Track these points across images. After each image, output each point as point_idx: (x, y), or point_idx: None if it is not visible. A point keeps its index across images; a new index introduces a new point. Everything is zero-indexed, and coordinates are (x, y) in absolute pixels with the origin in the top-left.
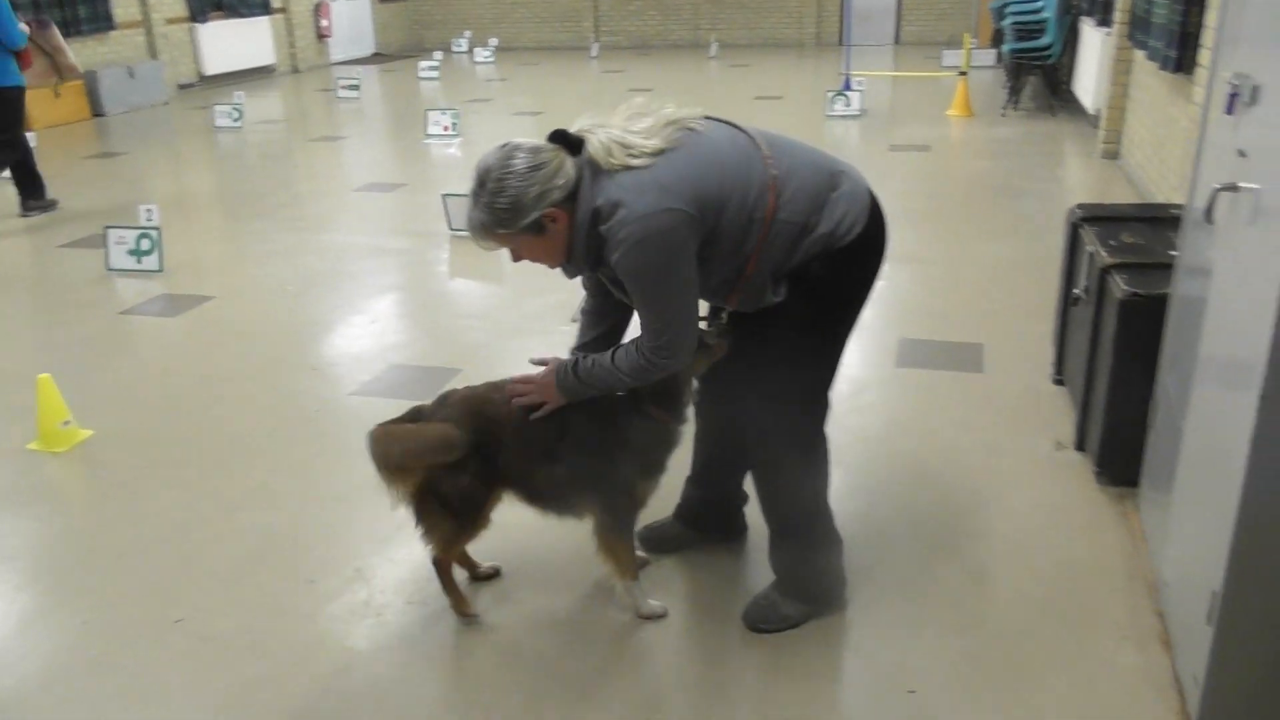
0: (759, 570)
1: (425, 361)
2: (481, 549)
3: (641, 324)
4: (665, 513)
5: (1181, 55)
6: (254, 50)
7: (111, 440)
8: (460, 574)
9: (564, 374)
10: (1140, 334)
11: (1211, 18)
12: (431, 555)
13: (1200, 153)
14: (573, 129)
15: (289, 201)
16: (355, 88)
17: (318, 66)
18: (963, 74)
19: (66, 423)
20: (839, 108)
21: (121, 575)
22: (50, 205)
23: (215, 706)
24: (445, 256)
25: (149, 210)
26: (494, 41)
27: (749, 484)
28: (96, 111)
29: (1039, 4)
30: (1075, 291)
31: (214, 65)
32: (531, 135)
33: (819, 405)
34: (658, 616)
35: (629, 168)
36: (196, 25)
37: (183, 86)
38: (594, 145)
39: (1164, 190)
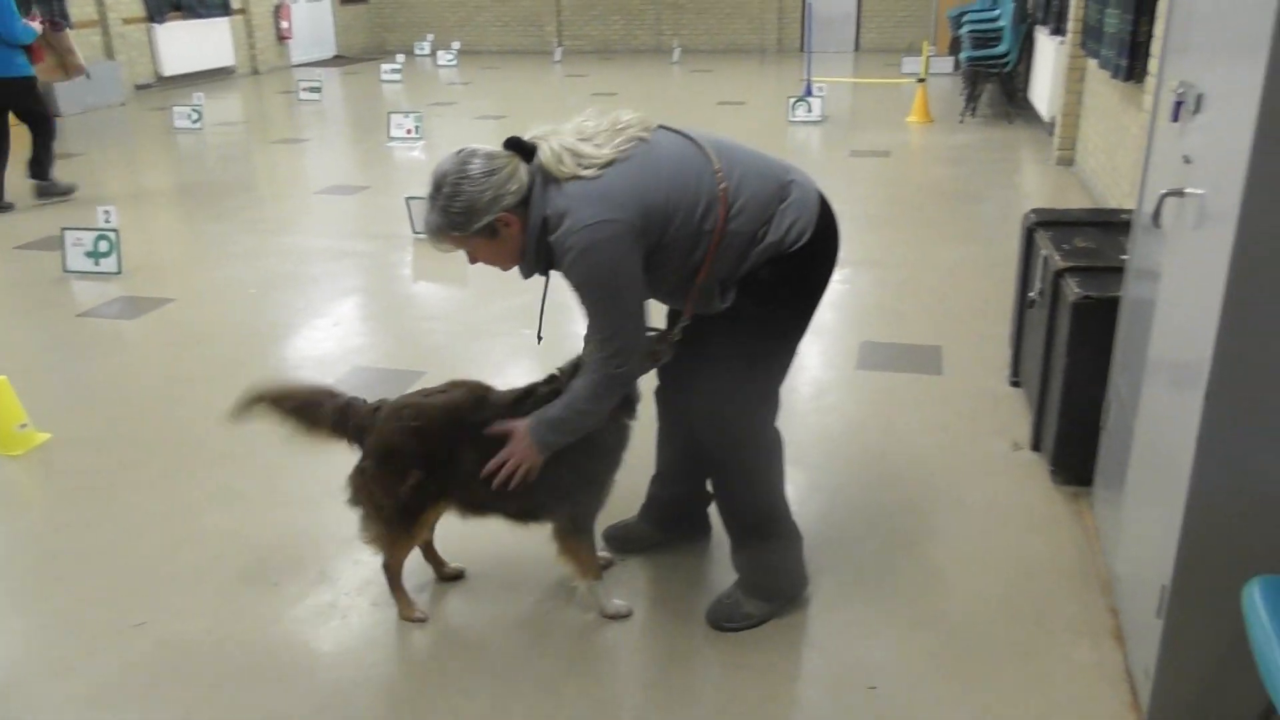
0: (722, 570)
1: (389, 364)
2: (448, 549)
3: (592, 332)
4: (630, 513)
5: (1132, 64)
6: (213, 51)
7: (70, 443)
8: (429, 574)
9: (540, 432)
10: (1093, 336)
11: (1160, 28)
12: (377, 555)
13: (1148, 159)
14: (527, 136)
15: (250, 204)
16: (317, 90)
17: (278, 68)
18: (921, 81)
19: (24, 425)
20: (800, 113)
21: (81, 579)
22: (68, 189)
23: (178, 711)
24: (409, 259)
25: (107, 212)
26: (457, 45)
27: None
28: (52, 112)
29: (995, 12)
30: (1030, 295)
31: (172, 66)
32: (495, 139)
33: (770, 405)
34: (622, 615)
35: (578, 177)
36: (154, 25)
37: (140, 87)
38: (545, 154)
39: (1116, 196)
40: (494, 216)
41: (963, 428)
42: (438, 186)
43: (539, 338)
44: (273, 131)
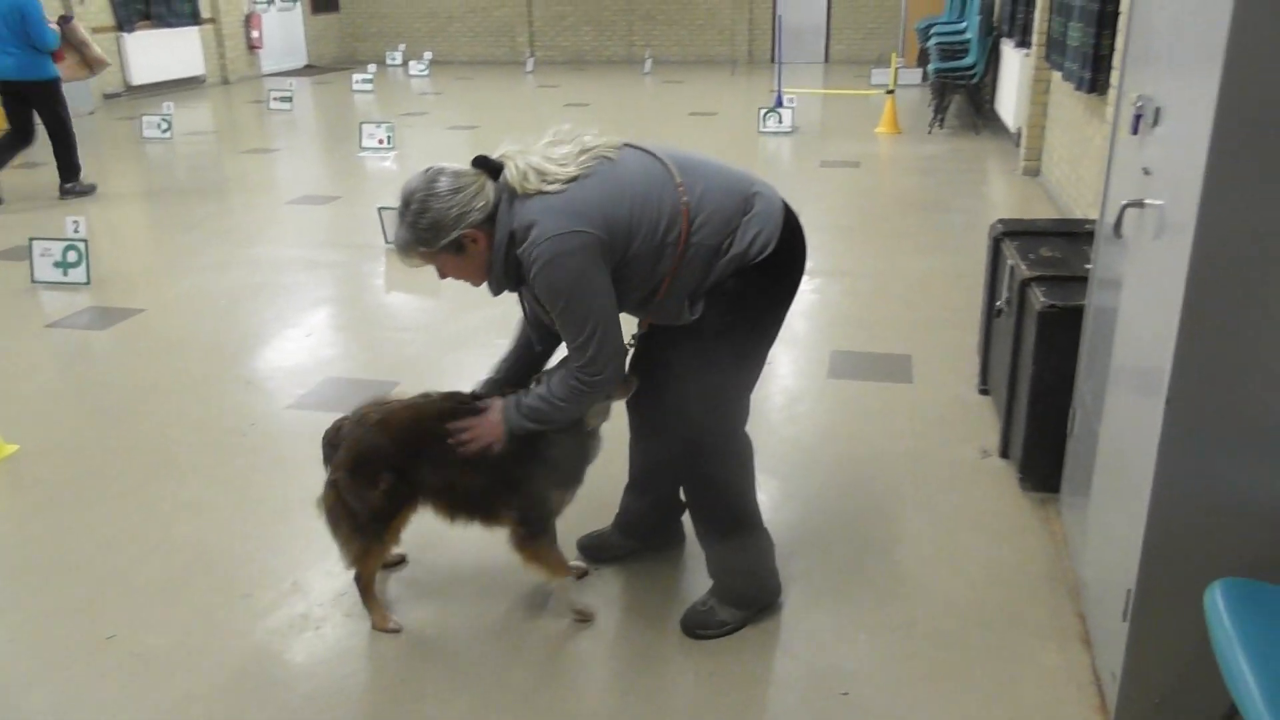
0: (696, 578)
1: (362, 374)
2: (422, 560)
3: (567, 345)
4: (603, 522)
5: (1095, 77)
6: (183, 61)
7: (39, 455)
8: (401, 585)
9: (511, 413)
10: (1058, 344)
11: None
12: (352, 570)
13: (1109, 170)
14: (495, 154)
15: (220, 214)
16: (288, 100)
17: (249, 78)
18: (890, 92)
19: None
20: (771, 124)
21: (51, 591)
22: (88, 188)
23: None
24: (381, 269)
25: (76, 222)
26: (428, 55)
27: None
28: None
29: (962, 25)
30: (998, 304)
31: (141, 75)
32: (467, 149)
33: (740, 412)
34: (588, 617)
35: (543, 193)
36: (123, 34)
37: (109, 96)
38: (512, 171)
39: (1082, 206)
40: (460, 232)
41: (933, 435)
42: (406, 203)
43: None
44: (243, 141)
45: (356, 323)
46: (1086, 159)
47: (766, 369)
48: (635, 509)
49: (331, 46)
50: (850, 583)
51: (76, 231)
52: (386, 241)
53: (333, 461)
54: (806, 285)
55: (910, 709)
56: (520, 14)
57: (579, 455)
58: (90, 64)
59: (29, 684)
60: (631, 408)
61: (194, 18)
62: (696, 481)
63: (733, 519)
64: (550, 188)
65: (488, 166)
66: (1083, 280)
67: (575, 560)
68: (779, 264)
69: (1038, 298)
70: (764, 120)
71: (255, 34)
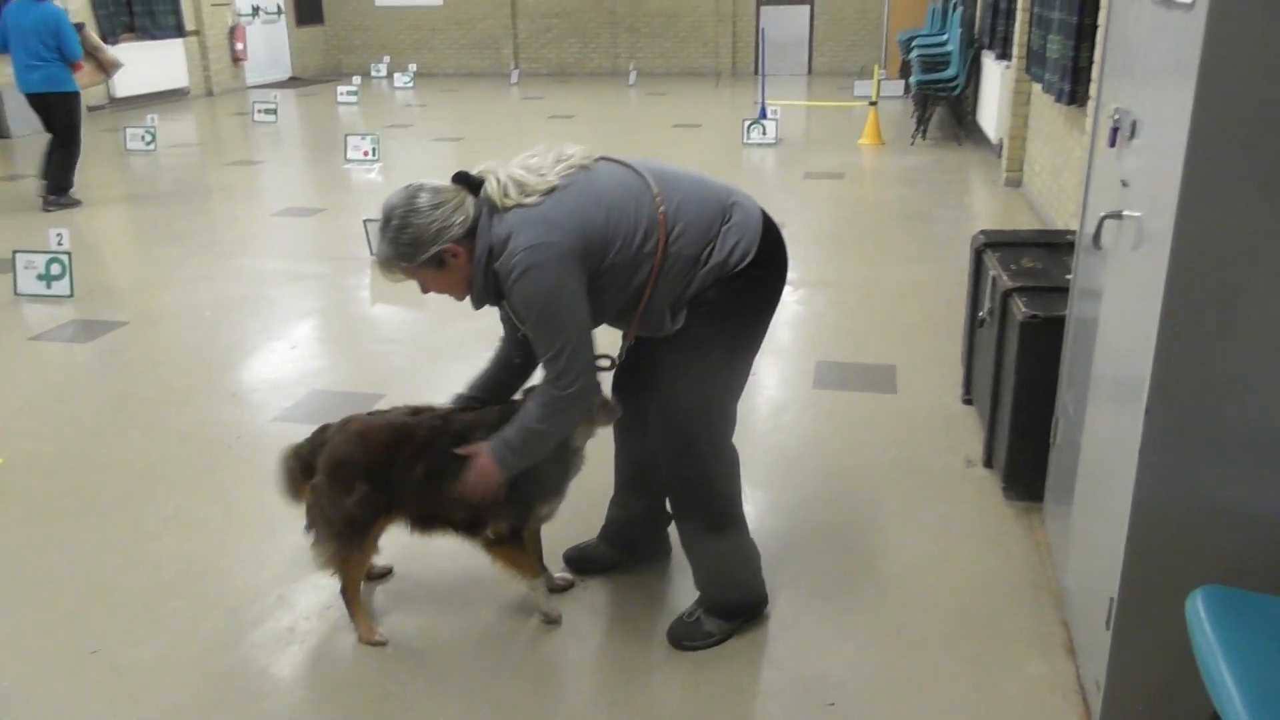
0: (682, 589)
1: (347, 387)
2: (408, 571)
3: (539, 358)
4: (590, 534)
5: (1074, 89)
6: (167, 73)
7: (22, 468)
8: (387, 598)
9: (501, 452)
10: (1040, 354)
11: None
12: (335, 580)
13: (1088, 182)
14: (475, 170)
15: (205, 226)
16: (272, 112)
17: (233, 90)
18: (873, 104)
19: None
20: (755, 136)
21: (34, 605)
22: (73, 202)
23: None
24: (366, 282)
25: (59, 234)
26: (413, 67)
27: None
28: (2, 134)
29: (943, 37)
30: (980, 314)
31: (125, 87)
32: (452, 160)
33: (726, 422)
34: (555, 619)
35: (521, 205)
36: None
37: (92, 109)
38: (491, 186)
39: (1063, 216)
40: (441, 247)
41: (917, 445)
42: (387, 219)
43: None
44: (228, 153)
45: (341, 335)
46: (1067, 170)
47: (752, 379)
48: (620, 521)
49: (316, 58)
50: (836, 593)
51: (60, 244)
52: (371, 254)
53: (315, 469)
54: (791, 296)
55: (895, 719)
56: (505, 26)
57: (560, 469)
58: (105, 67)
59: (12, 697)
60: (618, 421)
61: (178, 30)
62: (684, 493)
63: (720, 514)
64: (529, 200)
65: (468, 182)
66: (1064, 291)
67: (561, 572)
68: (759, 273)
69: (1019, 308)
70: (748, 132)
71: (240, 46)
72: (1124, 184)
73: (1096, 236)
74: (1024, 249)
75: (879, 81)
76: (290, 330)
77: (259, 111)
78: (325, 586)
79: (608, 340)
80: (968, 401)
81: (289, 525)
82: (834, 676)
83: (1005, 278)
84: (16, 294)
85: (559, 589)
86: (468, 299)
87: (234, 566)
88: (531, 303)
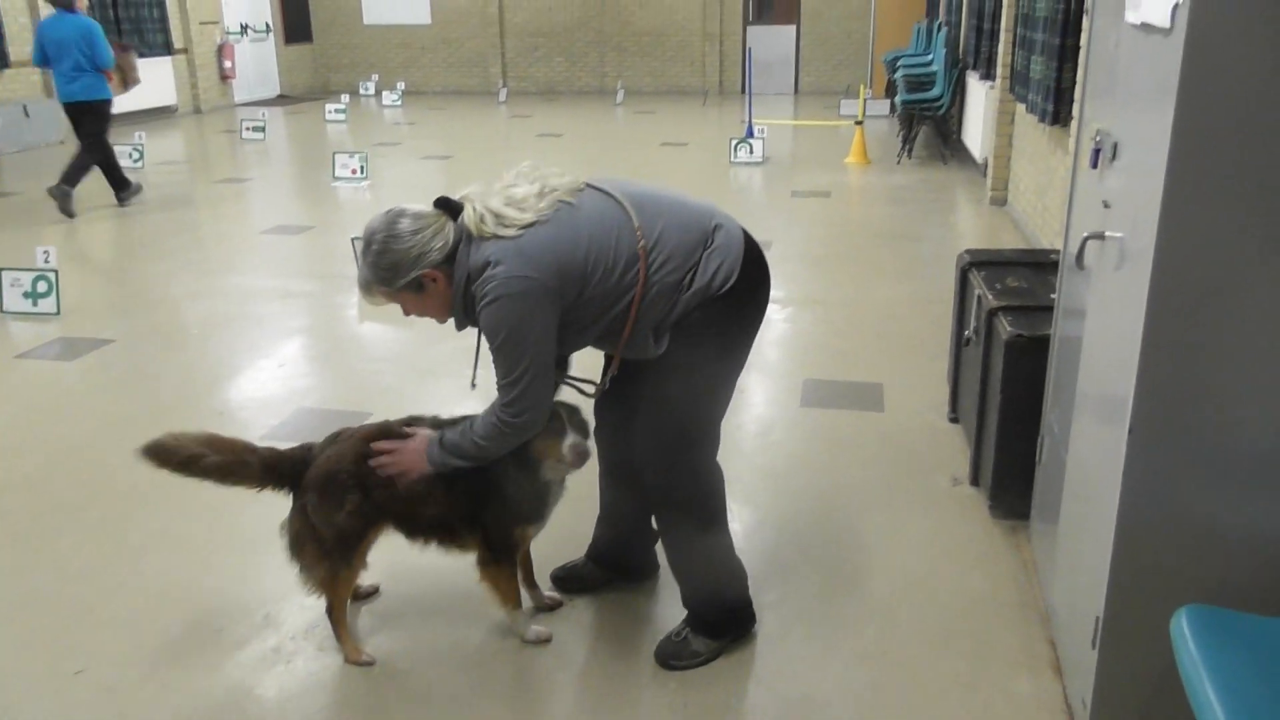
0: (670, 608)
1: (335, 405)
2: (393, 592)
3: (497, 382)
4: (577, 554)
5: (1057, 109)
6: (155, 90)
7: (7, 487)
8: (374, 618)
9: (433, 448)
10: (1026, 373)
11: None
12: (320, 599)
13: (1071, 203)
14: (457, 195)
15: (192, 244)
16: (260, 129)
17: (221, 107)
18: (859, 123)
19: None
20: (742, 155)
21: (18, 625)
22: (137, 189)
23: None
24: (354, 300)
25: (46, 252)
26: (401, 85)
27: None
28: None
29: (928, 57)
30: (966, 333)
31: (113, 104)
32: (440, 178)
33: (710, 441)
34: (544, 640)
35: (499, 237)
36: None
37: None
38: (469, 214)
39: (1048, 235)
40: (419, 272)
41: (904, 463)
42: (368, 243)
43: (473, 384)
44: (216, 171)
45: (329, 353)
46: (1052, 189)
47: (739, 397)
48: (607, 540)
49: (305, 76)
50: (823, 611)
51: (47, 261)
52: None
53: (301, 486)
54: (779, 314)
55: None
56: (493, 45)
57: (537, 497)
58: (128, 83)
59: None
60: (601, 440)
61: (166, 48)
62: (670, 511)
63: (707, 548)
64: (507, 232)
65: (449, 207)
66: (1048, 310)
67: (549, 591)
68: (743, 294)
69: (1005, 327)
70: (735, 151)
71: (228, 64)
72: (1106, 205)
73: (1079, 257)
74: (1009, 268)
75: (865, 101)
76: (278, 348)
77: (247, 129)
78: (311, 606)
79: (592, 363)
80: (954, 420)
81: (275, 544)
82: (820, 695)
83: (990, 297)
84: (2, 311)
85: (547, 608)
86: (450, 321)
87: (220, 586)
88: (498, 329)
